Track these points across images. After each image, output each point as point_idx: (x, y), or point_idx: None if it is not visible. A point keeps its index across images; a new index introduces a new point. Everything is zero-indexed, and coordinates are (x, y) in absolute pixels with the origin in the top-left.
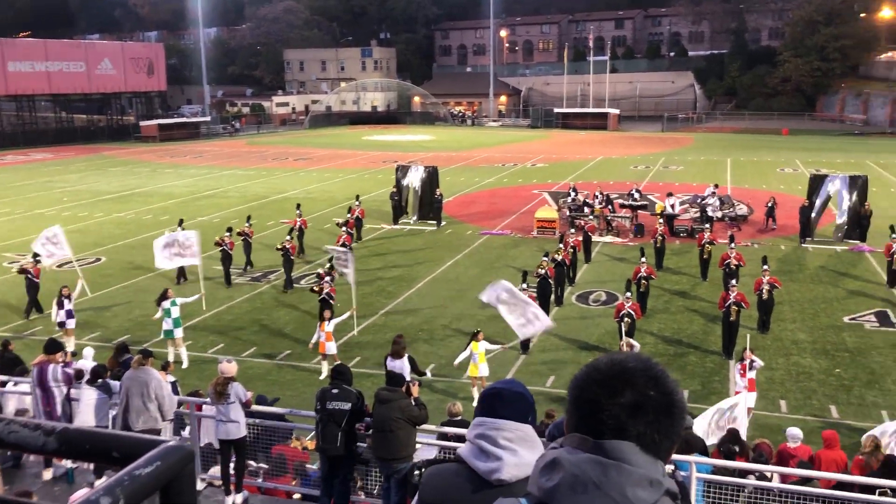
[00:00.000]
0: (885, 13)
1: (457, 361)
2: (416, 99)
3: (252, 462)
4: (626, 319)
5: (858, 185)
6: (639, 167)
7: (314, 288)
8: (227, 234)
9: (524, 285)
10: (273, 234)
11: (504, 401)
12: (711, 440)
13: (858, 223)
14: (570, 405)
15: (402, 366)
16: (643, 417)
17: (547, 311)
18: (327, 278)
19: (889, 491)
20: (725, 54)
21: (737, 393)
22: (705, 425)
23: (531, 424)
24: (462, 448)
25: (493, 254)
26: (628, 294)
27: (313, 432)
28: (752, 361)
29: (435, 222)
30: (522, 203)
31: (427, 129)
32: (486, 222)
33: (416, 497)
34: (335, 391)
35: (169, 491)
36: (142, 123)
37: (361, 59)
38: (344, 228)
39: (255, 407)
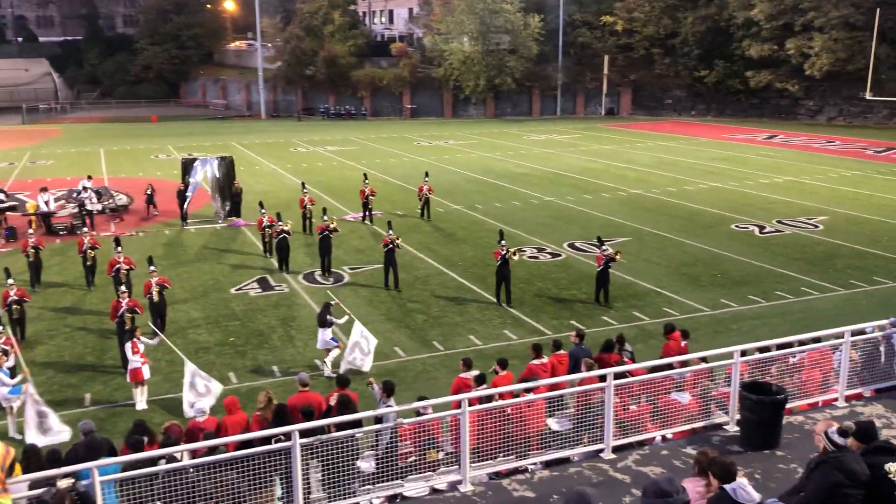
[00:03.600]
0: (229, 5)
1: None
2: None
3: None
4: None
5: (226, 164)
6: (2, 164)
7: None
8: None
9: None
10: None
11: None
12: None
13: (232, 200)
14: None
15: None
16: None
17: None
18: None
19: (283, 436)
20: (81, 41)
21: (134, 372)
22: None
23: None
24: None
25: None
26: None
27: None
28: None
29: None
30: None
31: None
32: None
33: None
34: None
35: None
36: None
37: None
38: None
39: None
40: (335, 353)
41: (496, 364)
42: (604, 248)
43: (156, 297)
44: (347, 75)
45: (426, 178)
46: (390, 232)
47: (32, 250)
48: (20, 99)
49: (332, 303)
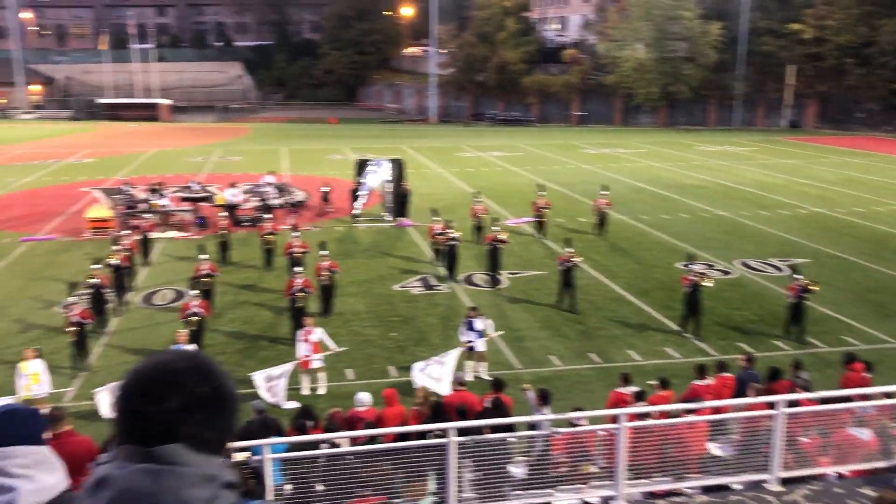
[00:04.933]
0: (406, 12)
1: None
2: None
3: None
4: (192, 318)
5: (397, 166)
6: (197, 159)
7: None
8: None
9: (72, 299)
10: None
11: (11, 424)
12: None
13: (399, 201)
14: (117, 416)
15: None
16: (194, 417)
17: (104, 323)
18: None
19: (439, 432)
20: (272, 45)
21: (305, 357)
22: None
23: (43, 444)
24: None
25: (38, 262)
26: (195, 292)
27: None
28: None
29: None
30: (70, 203)
31: None
32: (28, 227)
33: None
34: None
35: None
36: None
37: None
38: None
39: None
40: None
41: (656, 381)
42: (797, 276)
43: (325, 280)
44: (517, 82)
45: (603, 192)
46: (568, 249)
47: (223, 231)
48: (215, 99)
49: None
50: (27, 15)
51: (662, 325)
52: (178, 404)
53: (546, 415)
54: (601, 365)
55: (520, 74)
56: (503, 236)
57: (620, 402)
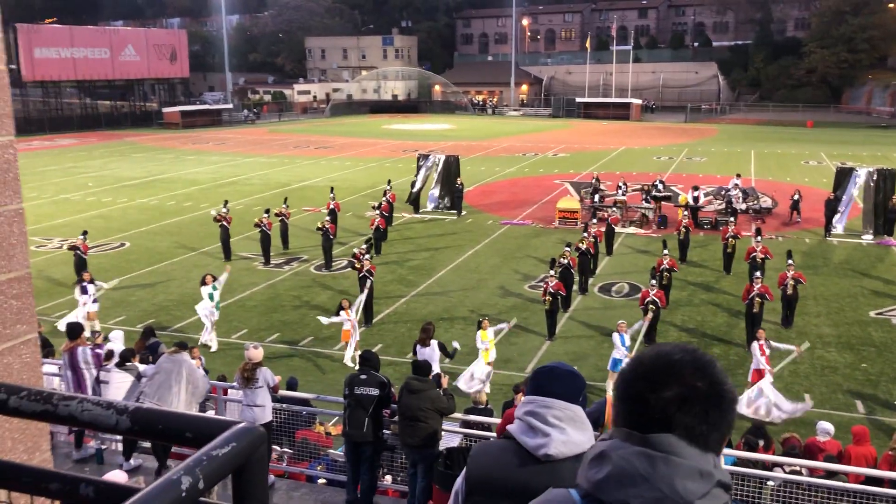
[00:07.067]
0: None
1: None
2: (437, 88)
3: (276, 447)
4: (651, 306)
5: (886, 178)
6: (662, 158)
7: (354, 265)
8: (265, 215)
9: (551, 272)
10: (295, 221)
11: (555, 379)
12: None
13: (885, 217)
14: (616, 400)
15: (431, 353)
16: (690, 410)
17: (569, 301)
18: (366, 256)
19: None
20: (750, 45)
21: (755, 374)
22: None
23: (581, 405)
24: (512, 426)
25: (513, 244)
26: (653, 282)
27: (337, 417)
28: (768, 341)
29: (455, 211)
30: (544, 193)
31: (447, 118)
32: (507, 212)
33: (462, 472)
34: (363, 377)
35: (243, 471)
36: (164, 110)
37: (382, 47)
38: (378, 212)
39: (282, 392)
40: None
41: None
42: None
43: (789, 290)
44: None
45: None
46: None
47: (683, 230)
48: (686, 99)
49: None
50: (525, 21)
51: None
52: (677, 395)
53: None
54: None
55: None
56: None
57: None
